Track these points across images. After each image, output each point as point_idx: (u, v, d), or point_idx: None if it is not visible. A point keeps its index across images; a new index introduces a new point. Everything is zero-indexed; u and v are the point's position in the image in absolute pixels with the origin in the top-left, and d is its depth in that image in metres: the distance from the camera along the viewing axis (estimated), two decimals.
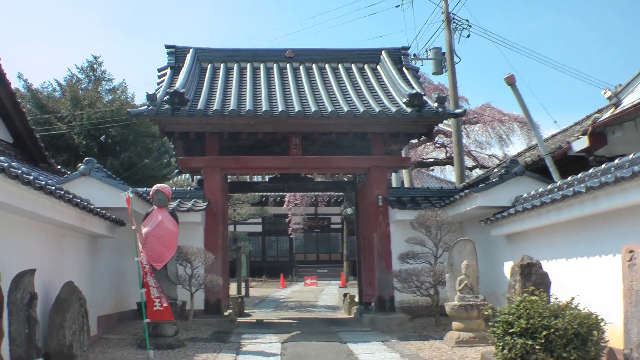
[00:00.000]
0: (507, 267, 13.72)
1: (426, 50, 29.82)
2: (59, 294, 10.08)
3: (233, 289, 27.47)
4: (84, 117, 27.70)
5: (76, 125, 27.60)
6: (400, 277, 15.46)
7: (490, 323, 9.41)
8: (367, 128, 17.32)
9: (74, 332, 9.94)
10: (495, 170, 16.04)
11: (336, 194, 41.27)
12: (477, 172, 35.17)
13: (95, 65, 31.59)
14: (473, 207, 14.81)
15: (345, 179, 22.45)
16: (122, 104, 29.14)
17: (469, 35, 29.07)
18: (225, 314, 17.51)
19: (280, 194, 41.67)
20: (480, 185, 14.83)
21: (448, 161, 37.10)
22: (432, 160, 39.39)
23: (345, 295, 24.21)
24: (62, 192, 9.99)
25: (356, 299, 21.99)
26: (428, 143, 34.76)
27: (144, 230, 13.19)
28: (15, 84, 39.92)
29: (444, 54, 28.37)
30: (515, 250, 13.80)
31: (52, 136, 27.87)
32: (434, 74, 29.51)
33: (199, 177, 19.42)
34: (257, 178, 23.16)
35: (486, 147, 37.42)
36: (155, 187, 13.55)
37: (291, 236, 44.26)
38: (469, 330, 12.47)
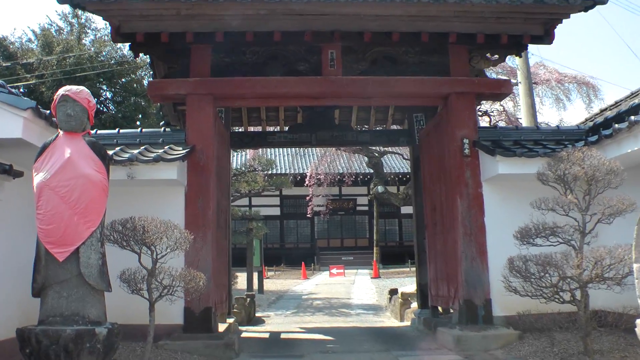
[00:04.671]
0: None
1: None
2: None
3: (243, 281, 20.36)
4: (54, 66, 20.56)
5: (47, 75, 20.48)
6: (517, 269, 8.24)
7: None
8: (448, 26, 10.06)
9: None
10: None
11: (362, 171, 34.38)
12: None
13: (80, 12, 24.36)
14: None
15: (396, 127, 15.20)
16: (100, 46, 21.95)
17: None
18: (221, 328, 10.37)
19: (300, 172, 35.00)
20: None
21: None
22: None
23: (392, 292, 16.94)
24: None
25: (411, 299, 14.83)
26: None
27: (36, 179, 6.10)
28: None
29: None
30: None
31: (21, 91, 20.88)
32: None
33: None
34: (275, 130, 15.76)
35: (536, 114, 30.61)
36: (60, 91, 6.38)
37: (314, 217, 37.15)
38: None
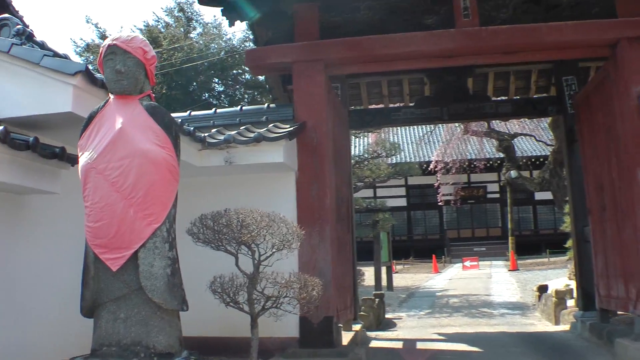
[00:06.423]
0: None
1: None
2: None
3: (369, 277, 18.49)
4: (164, 60, 19.51)
5: (156, 69, 19.45)
6: None
7: None
8: None
9: None
10: None
11: (492, 156, 31.71)
12: None
13: (185, 6, 23.35)
14: None
15: (535, 96, 12.70)
16: (209, 39, 20.70)
17: None
18: (346, 339, 8.52)
19: (426, 160, 32.69)
20: None
21: None
22: None
23: (541, 289, 14.46)
24: None
25: (566, 298, 12.38)
26: None
27: (81, 160, 4.45)
28: (84, 30, 33.06)
29: None
30: None
31: None
32: None
33: None
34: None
35: None
36: (106, 41, 4.67)
37: (443, 207, 34.79)
38: None
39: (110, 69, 4.44)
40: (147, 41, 4.70)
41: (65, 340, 5.56)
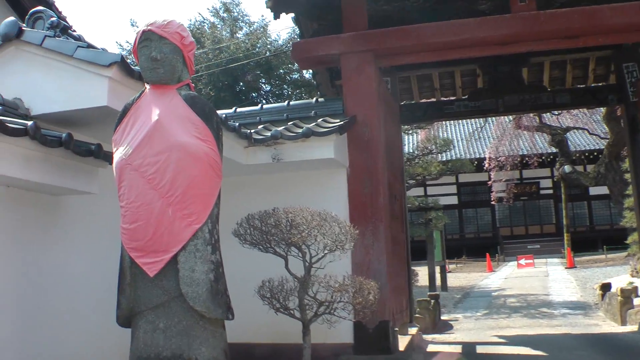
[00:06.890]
0: None
1: None
2: None
3: (422, 277, 17.93)
4: (211, 59, 19.31)
5: (201, 70, 19.23)
6: None
7: None
8: None
9: None
10: None
11: (545, 152, 30.79)
12: None
13: (231, 6, 23.14)
14: None
15: (594, 85, 11.99)
16: (255, 38, 20.39)
17: None
18: (402, 343, 8.01)
19: (477, 156, 31.87)
20: None
21: None
22: None
23: (604, 287, 13.65)
24: None
25: (632, 296, 11.63)
26: None
27: (115, 156, 4.07)
28: (129, 34, 33.03)
29: None
30: None
31: None
32: None
33: None
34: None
35: None
36: (141, 27, 4.28)
37: (493, 203, 33.79)
38: None
39: (145, 57, 4.04)
40: (184, 26, 4.27)
41: (102, 351, 5.23)
